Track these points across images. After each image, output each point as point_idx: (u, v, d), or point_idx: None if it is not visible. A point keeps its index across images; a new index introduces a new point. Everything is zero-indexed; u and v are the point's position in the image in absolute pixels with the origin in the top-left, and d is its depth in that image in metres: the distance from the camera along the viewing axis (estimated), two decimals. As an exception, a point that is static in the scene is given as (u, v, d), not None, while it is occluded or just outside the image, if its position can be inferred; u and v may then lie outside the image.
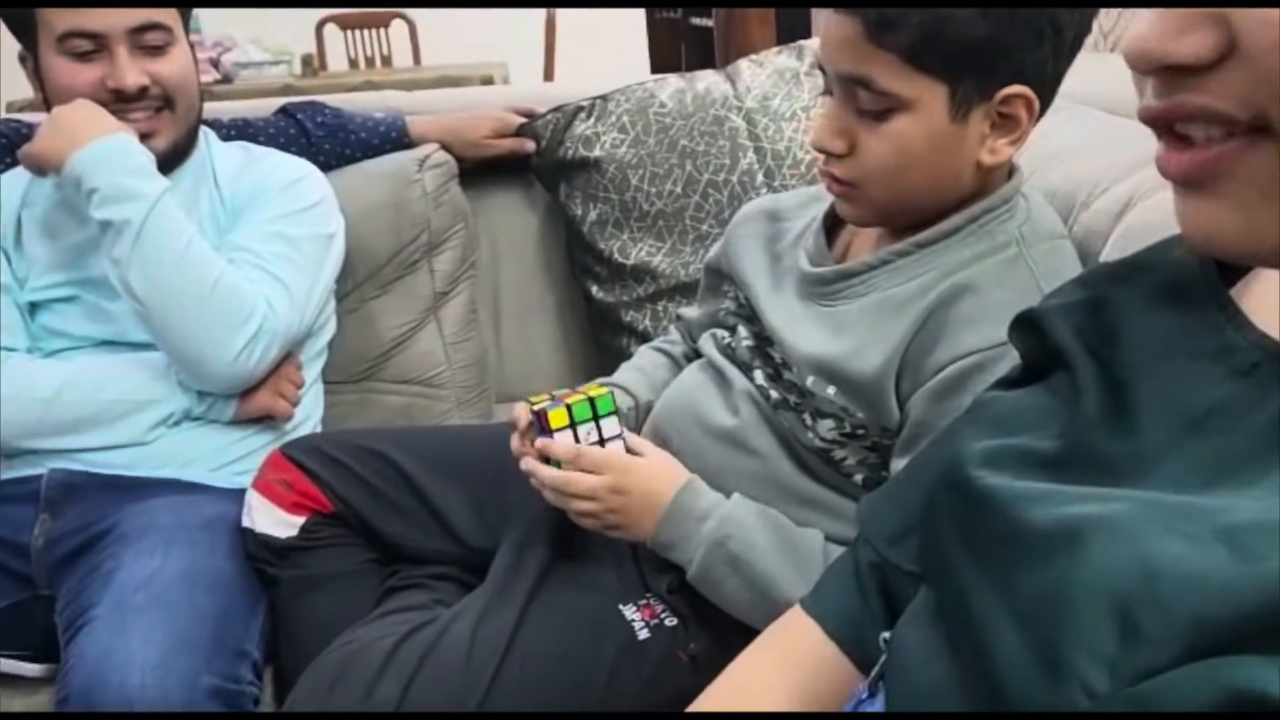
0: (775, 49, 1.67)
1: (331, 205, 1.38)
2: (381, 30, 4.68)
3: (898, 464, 0.86)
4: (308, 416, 1.37)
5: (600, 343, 1.62)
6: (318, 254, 1.32)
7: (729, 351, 1.02)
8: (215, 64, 3.96)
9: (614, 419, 0.97)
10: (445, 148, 1.56)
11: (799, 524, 0.94)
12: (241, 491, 1.17)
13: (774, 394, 0.94)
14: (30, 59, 1.25)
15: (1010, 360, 0.77)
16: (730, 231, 1.09)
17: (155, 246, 1.16)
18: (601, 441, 0.96)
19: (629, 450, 0.96)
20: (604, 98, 1.57)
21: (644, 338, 1.52)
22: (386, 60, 4.69)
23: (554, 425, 0.95)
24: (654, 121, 1.54)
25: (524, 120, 1.59)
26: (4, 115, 1.85)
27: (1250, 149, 0.39)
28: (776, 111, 1.55)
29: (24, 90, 1.34)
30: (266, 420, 1.30)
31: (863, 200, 0.88)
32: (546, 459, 0.96)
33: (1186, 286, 0.53)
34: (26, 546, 1.17)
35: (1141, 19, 0.39)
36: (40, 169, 1.21)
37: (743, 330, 1.01)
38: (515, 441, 1.02)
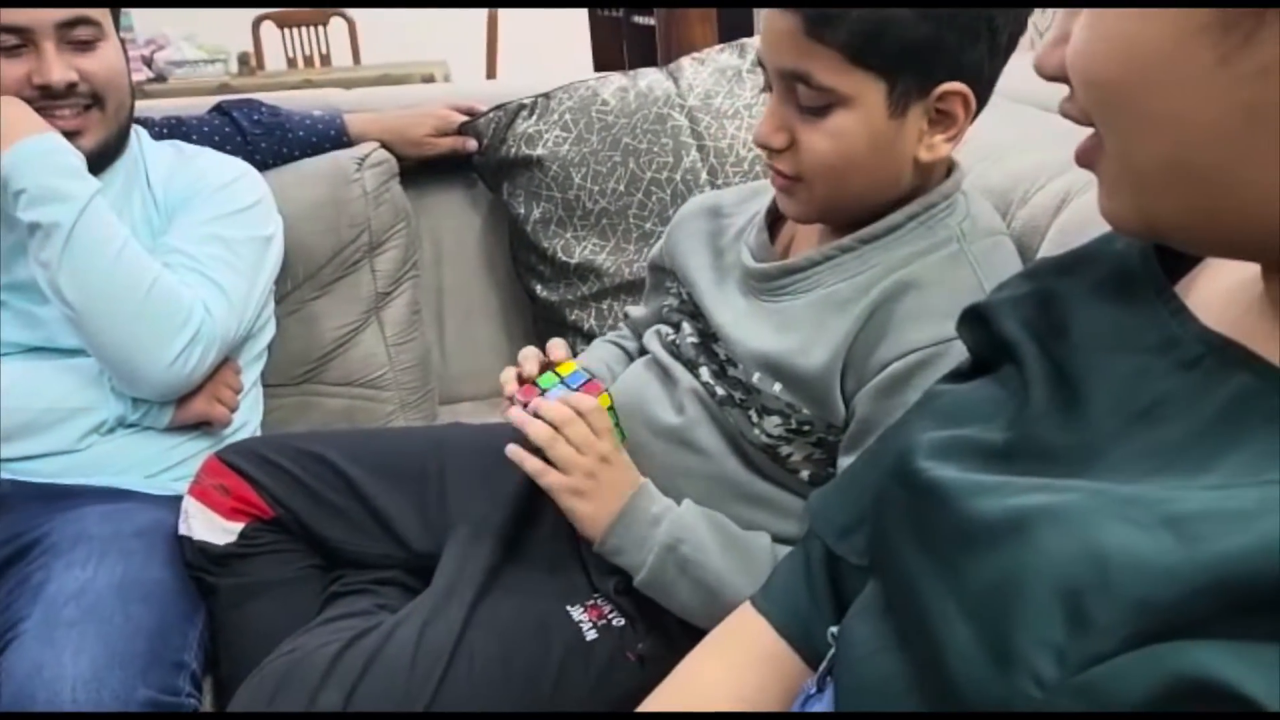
0: (717, 47, 1.67)
1: (269, 205, 1.35)
2: (320, 28, 4.61)
3: (844, 461, 0.87)
4: (246, 421, 1.35)
5: (545, 342, 1.61)
6: (255, 256, 1.30)
7: (674, 348, 1.02)
8: (148, 62, 3.88)
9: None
10: (386, 146, 1.55)
11: (746, 523, 0.94)
12: (178, 499, 1.14)
13: (720, 390, 0.94)
14: (-46, 55, 1.21)
15: (954, 356, 0.78)
16: (672, 228, 1.09)
17: (86, 250, 1.13)
18: None
19: None
20: (546, 96, 1.56)
21: (589, 336, 1.51)
22: (325, 59, 4.63)
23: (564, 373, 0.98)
24: (597, 119, 1.53)
25: (466, 119, 1.58)
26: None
27: (1102, 140, 0.45)
28: (719, 109, 1.55)
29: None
30: (204, 426, 1.28)
31: (805, 196, 0.88)
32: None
33: (1130, 279, 0.53)
34: (-48, 559, 1.13)
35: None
36: (-36, 169, 1.17)
37: (687, 327, 1.01)
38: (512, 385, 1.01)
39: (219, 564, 1.09)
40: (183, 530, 1.11)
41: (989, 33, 0.80)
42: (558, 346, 1.02)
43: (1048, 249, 0.95)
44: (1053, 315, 0.56)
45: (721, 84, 1.57)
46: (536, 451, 0.94)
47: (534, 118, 1.54)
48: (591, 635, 0.96)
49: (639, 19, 3.88)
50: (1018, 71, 0.91)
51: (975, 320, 0.62)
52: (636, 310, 1.20)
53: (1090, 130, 0.46)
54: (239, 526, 1.09)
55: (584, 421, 0.93)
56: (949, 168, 0.92)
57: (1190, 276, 0.53)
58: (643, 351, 1.13)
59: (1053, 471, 0.48)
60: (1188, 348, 0.48)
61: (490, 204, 1.66)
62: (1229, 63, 0.38)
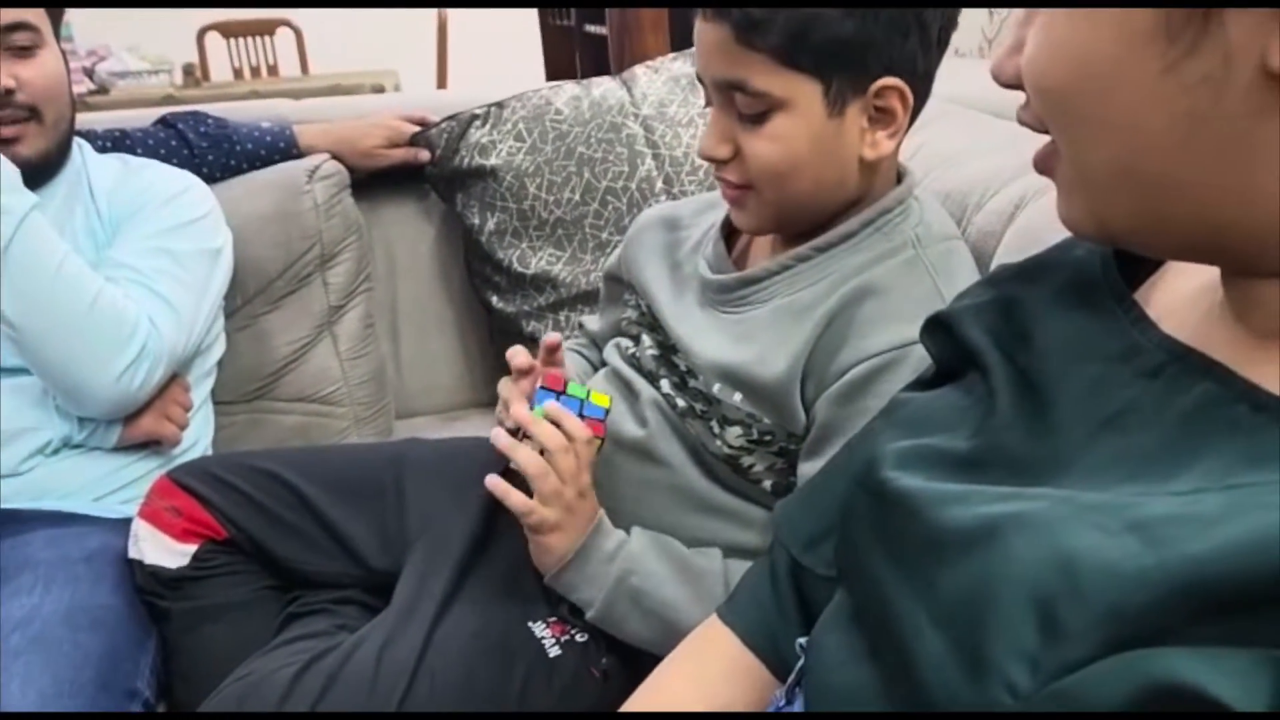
0: (670, 55, 1.67)
1: (217, 218, 1.33)
2: (266, 38, 4.55)
3: (804, 467, 0.87)
4: (197, 439, 1.32)
5: (502, 354, 1.59)
6: (204, 269, 1.27)
7: (634, 361, 1.01)
8: (89, 73, 3.80)
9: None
10: (336, 157, 1.53)
11: (709, 534, 0.93)
12: (127, 521, 1.12)
13: (680, 402, 0.94)
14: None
15: (914, 361, 0.78)
16: (628, 240, 1.08)
17: (24, 266, 1.10)
18: None
19: None
20: (499, 105, 1.55)
21: (547, 348, 1.50)
22: (273, 69, 4.56)
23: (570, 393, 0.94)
24: (550, 129, 1.53)
25: (418, 129, 1.57)
26: None
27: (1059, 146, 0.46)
28: (673, 118, 1.55)
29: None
30: (153, 445, 1.25)
31: (755, 205, 0.88)
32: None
33: (1090, 286, 0.54)
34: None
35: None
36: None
37: (646, 339, 1.00)
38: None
39: (171, 587, 1.07)
40: (133, 554, 1.08)
41: (919, 27, 0.81)
42: (519, 354, 1.01)
43: (1003, 254, 0.96)
44: (1015, 323, 0.56)
45: (676, 92, 1.57)
46: (517, 476, 0.92)
47: (487, 127, 1.53)
48: (555, 652, 0.95)
49: (590, 28, 3.88)
50: (973, 78, 0.92)
51: (938, 328, 0.62)
52: (592, 321, 1.20)
53: (1048, 138, 0.47)
54: (191, 548, 1.07)
55: (574, 451, 0.91)
56: (900, 173, 0.92)
57: (1150, 283, 0.53)
58: (601, 363, 1.13)
59: (1020, 480, 0.48)
60: (1149, 356, 0.48)
61: (444, 215, 1.64)
62: (1174, 71, 0.39)
